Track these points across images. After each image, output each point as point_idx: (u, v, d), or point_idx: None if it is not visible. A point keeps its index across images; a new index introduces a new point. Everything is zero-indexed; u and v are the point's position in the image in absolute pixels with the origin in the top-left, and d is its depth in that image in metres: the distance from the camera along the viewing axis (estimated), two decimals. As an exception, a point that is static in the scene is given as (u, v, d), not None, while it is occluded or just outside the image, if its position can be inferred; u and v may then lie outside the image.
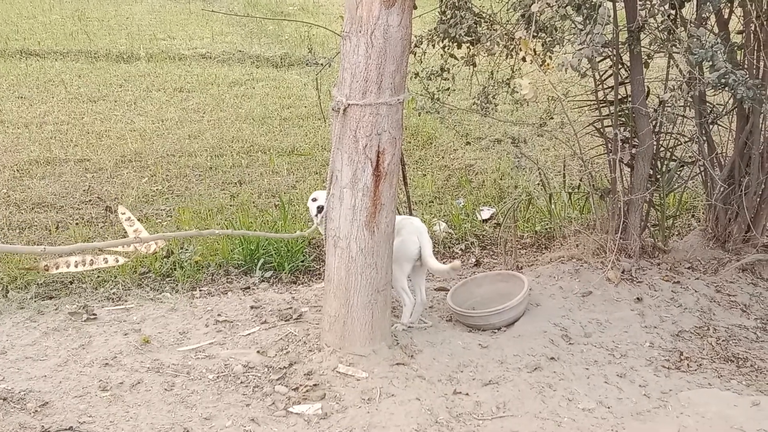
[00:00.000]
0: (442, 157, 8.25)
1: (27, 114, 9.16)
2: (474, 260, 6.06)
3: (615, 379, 4.39)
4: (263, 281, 5.62)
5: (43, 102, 9.65)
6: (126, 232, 5.81)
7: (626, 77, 5.36)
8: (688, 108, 5.60)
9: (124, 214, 5.73)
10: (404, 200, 5.78)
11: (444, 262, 5.95)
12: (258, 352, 4.48)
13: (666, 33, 4.70)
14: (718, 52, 4.36)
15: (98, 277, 5.53)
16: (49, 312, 4.99)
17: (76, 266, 5.06)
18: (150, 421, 3.90)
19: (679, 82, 4.92)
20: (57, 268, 4.98)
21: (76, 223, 6.42)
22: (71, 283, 5.46)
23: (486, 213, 6.83)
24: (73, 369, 4.33)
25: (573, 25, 5.10)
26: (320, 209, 4.65)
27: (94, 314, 4.95)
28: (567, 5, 4.50)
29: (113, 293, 5.28)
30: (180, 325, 4.85)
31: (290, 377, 4.25)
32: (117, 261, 5.22)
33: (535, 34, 4.84)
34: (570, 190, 6.36)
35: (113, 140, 8.43)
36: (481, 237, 6.45)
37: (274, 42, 13.38)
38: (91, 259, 5.10)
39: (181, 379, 4.24)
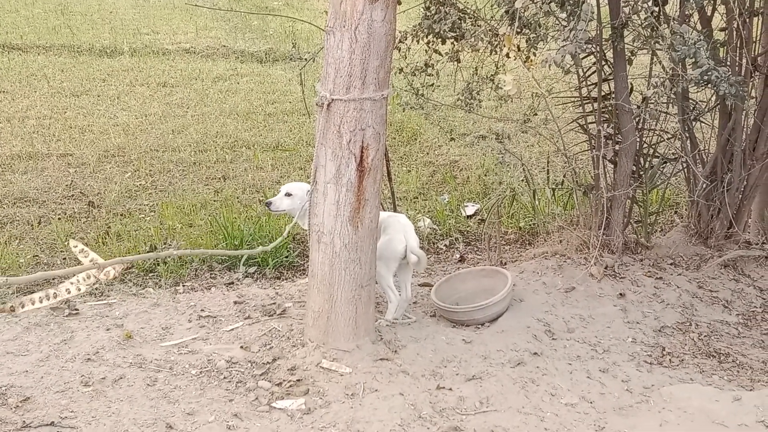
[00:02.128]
0: (427, 153, 8.26)
1: (9, 108, 9.10)
2: (458, 256, 6.07)
3: (598, 374, 4.40)
4: (247, 277, 5.61)
5: (25, 96, 9.59)
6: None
7: (609, 74, 5.37)
8: (671, 105, 5.63)
9: (76, 247, 5.68)
10: (389, 196, 5.78)
11: (429, 258, 5.99)
12: (241, 347, 4.47)
13: (649, 30, 4.72)
14: (701, 49, 4.38)
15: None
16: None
17: (41, 301, 5.06)
18: (132, 416, 3.88)
19: (662, 79, 4.94)
20: (23, 307, 4.98)
21: (59, 218, 6.38)
22: (53, 278, 5.43)
23: (470, 209, 6.85)
24: (55, 364, 4.30)
25: (557, 22, 5.11)
26: (268, 205, 4.79)
27: (76, 309, 4.91)
28: (551, 2, 4.51)
29: (95, 288, 5.25)
30: (163, 321, 4.82)
31: (273, 372, 4.24)
32: (79, 290, 5.21)
33: (519, 30, 4.84)
34: (554, 187, 6.37)
35: (96, 135, 8.38)
36: (465, 233, 6.46)
37: (259, 37, 13.34)
38: (54, 293, 5.11)
39: (163, 375, 4.22)
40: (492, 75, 5.59)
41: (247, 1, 15.80)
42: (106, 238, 6.05)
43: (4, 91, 9.73)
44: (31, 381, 4.14)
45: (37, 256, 5.77)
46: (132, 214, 6.55)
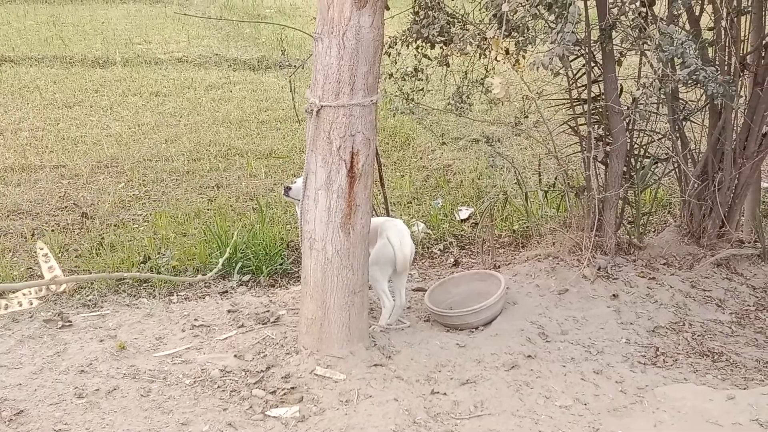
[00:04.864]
0: (420, 158, 8.26)
1: (2, 121, 9.09)
2: (452, 260, 6.07)
3: (591, 376, 4.41)
4: (241, 285, 5.60)
5: (17, 108, 9.58)
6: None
7: (599, 75, 5.38)
8: (661, 105, 5.63)
9: (42, 249, 5.61)
10: (382, 201, 5.78)
11: (419, 264, 5.98)
12: (235, 356, 4.47)
13: (637, 31, 4.72)
14: (689, 48, 4.38)
15: (74, 283, 5.49)
16: (23, 320, 4.94)
17: None
18: (126, 427, 3.88)
19: (651, 80, 4.95)
20: None
21: (52, 230, 6.37)
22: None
23: (464, 213, 6.85)
24: (49, 376, 4.29)
25: (545, 25, 5.12)
26: (287, 189, 4.83)
27: (69, 321, 4.91)
28: (538, 4, 4.52)
29: (89, 300, 5.24)
30: (156, 331, 4.82)
31: (267, 381, 4.24)
32: (31, 303, 5.16)
33: (507, 33, 4.84)
34: (546, 189, 6.39)
35: (89, 146, 8.38)
36: (459, 237, 6.47)
37: (251, 45, 13.35)
38: (6, 304, 5.06)
39: (157, 385, 4.22)
40: (482, 78, 5.60)
41: (239, 9, 15.84)
42: (99, 249, 6.04)
43: (-4, 104, 9.73)
44: (24, 394, 4.13)
45: (30, 268, 5.75)
46: (125, 224, 6.54)
